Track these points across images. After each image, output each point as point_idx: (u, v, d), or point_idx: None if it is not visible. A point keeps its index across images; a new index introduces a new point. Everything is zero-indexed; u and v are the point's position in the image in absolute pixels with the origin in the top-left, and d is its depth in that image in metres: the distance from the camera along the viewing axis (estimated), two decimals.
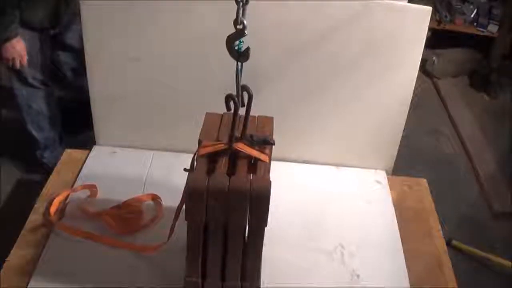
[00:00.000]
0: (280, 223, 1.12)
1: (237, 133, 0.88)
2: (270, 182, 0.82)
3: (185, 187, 0.84)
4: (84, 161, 1.28)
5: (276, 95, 1.24)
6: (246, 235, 0.87)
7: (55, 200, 1.14)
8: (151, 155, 1.30)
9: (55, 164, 1.29)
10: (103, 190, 1.19)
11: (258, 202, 0.81)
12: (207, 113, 0.96)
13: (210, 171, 0.84)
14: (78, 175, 1.24)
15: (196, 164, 0.86)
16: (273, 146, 0.96)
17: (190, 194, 0.82)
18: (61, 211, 1.14)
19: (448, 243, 1.73)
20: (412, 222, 1.20)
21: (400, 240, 1.14)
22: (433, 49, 2.86)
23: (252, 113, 0.91)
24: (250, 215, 0.83)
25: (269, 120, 0.97)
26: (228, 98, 0.83)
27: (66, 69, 2.02)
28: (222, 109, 0.86)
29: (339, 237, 1.13)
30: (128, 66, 1.23)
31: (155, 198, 1.17)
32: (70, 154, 1.32)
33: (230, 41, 0.81)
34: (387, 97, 1.25)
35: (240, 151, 0.86)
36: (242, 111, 0.87)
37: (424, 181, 1.32)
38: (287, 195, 1.20)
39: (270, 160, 0.90)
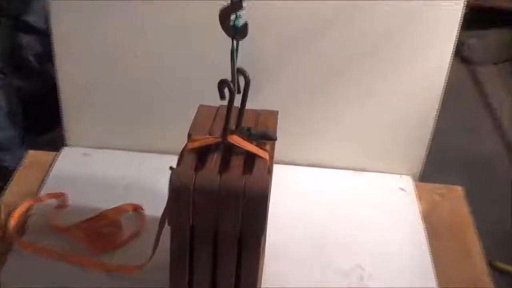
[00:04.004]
0: (285, 238, 1.13)
1: (233, 125, 0.89)
2: (268, 181, 0.83)
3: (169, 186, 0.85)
4: (51, 165, 1.29)
5: (281, 89, 1.25)
6: (240, 245, 0.87)
7: (15, 212, 1.15)
8: (132, 157, 1.31)
9: (16, 168, 1.30)
10: (74, 200, 1.19)
11: (253, 204, 0.82)
12: (200, 105, 0.97)
13: (199, 167, 0.85)
14: (43, 182, 1.24)
15: (183, 159, 0.87)
16: (278, 148, 0.97)
17: (174, 192, 0.82)
18: (23, 225, 1.14)
19: (490, 264, 1.73)
20: (446, 239, 1.20)
21: (431, 260, 1.14)
22: (470, 30, 2.87)
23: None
24: (244, 220, 0.83)
25: (272, 115, 0.97)
26: (222, 83, 0.83)
27: (28, 54, 2.02)
28: (219, 103, 0.87)
29: (356, 255, 1.13)
30: (106, 50, 1.24)
31: (137, 208, 1.18)
32: (34, 156, 1.32)
33: (225, 15, 0.82)
34: (413, 88, 1.25)
35: (236, 146, 0.87)
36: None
37: (459, 189, 1.33)
38: (294, 204, 1.21)
39: (271, 158, 0.91)
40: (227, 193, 0.82)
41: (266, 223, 0.95)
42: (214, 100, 0.87)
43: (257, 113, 0.97)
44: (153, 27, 1.21)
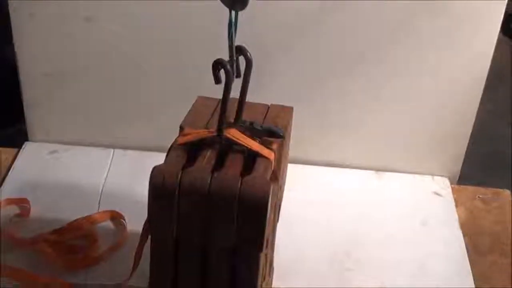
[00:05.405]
0: (297, 252, 1.14)
1: (231, 118, 0.89)
2: (269, 183, 0.83)
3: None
4: (11, 165, 1.30)
5: (292, 78, 1.26)
6: (235, 260, 0.87)
7: None
8: (109, 155, 1.32)
9: None
10: (39, 207, 1.20)
11: (251, 211, 0.81)
12: (199, 97, 0.97)
13: (188, 164, 0.85)
14: (1, 185, 1.25)
15: (169, 155, 0.87)
16: (289, 144, 0.98)
17: (155, 193, 0.82)
18: None
19: None
20: (490, 255, 1.21)
21: (472, 280, 1.14)
22: None
23: (257, 101, 0.93)
24: (239, 230, 0.83)
25: (286, 111, 0.97)
26: (217, 64, 0.83)
27: None
28: (217, 93, 0.87)
29: (381, 274, 1.14)
30: (76, 29, 1.24)
31: (116, 217, 1.19)
32: None
33: None
34: (450, 71, 1.26)
35: (235, 142, 0.87)
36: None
37: (507, 193, 1.33)
38: (307, 211, 1.22)
39: (280, 160, 0.91)
40: (219, 196, 0.81)
41: (274, 235, 0.96)
42: (215, 91, 0.88)
43: (266, 108, 0.97)
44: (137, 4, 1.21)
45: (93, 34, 1.24)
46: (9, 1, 1.22)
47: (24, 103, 1.32)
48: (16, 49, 1.27)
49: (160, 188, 0.82)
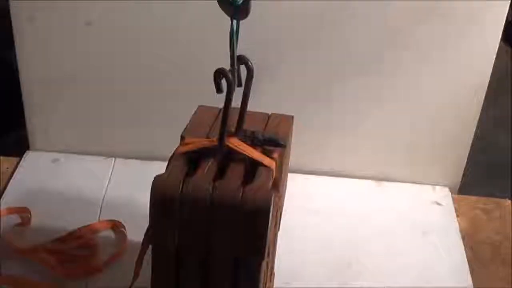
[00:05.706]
0: (298, 261, 1.14)
1: (232, 127, 0.89)
2: (271, 193, 0.83)
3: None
4: (12, 174, 1.30)
5: (289, 82, 1.26)
6: (237, 269, 0.87)
7: None
8: (110, 164, 1.33)
9: None
10: (40, 216, 1.20)
11: (253, 220, 0.81)
12: (200, 106, 0.98)
13: (189, 174, 0.85)
14: (2, 194, 1.25)
15: (170, 164, 0.87)
16: (290, 154, 0.98)
17: (156, 203, 0.82)
18: None
19: None
20: (491, 264, 1.21)
21: None
22: None
23: (257, 110, 0.93)
24: (241, 239, 0.83)
25: (285, 120, 0.98)
26: (218, 74, 0.83)
27: None
28: (218, 101, 0.87)
29: (382, 284, 1.14)
30: (78, 35, 1.24)
31: (116, 226, 1.19)
32: None
33: None
34: (451, 79, 1.26)
35: (236, 151, 0.88)
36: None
37: (508, 203, 1.33)
38: (307, 220, 1.22)
39: (282, 170, 0.92)
40: (221, 205, 0.81)
41: (275, 243, 0.96)
42: (216, 100, 0.88)
43: (267, 117, 0.98)
44: (139, 8, 1.21)
45: (94, 39, 1.25)
46: (10, 5, 1.22)
47: (25, 108, 1.32)
48: (17, 54, 1.27)
49: (162, 197, 0.82)
